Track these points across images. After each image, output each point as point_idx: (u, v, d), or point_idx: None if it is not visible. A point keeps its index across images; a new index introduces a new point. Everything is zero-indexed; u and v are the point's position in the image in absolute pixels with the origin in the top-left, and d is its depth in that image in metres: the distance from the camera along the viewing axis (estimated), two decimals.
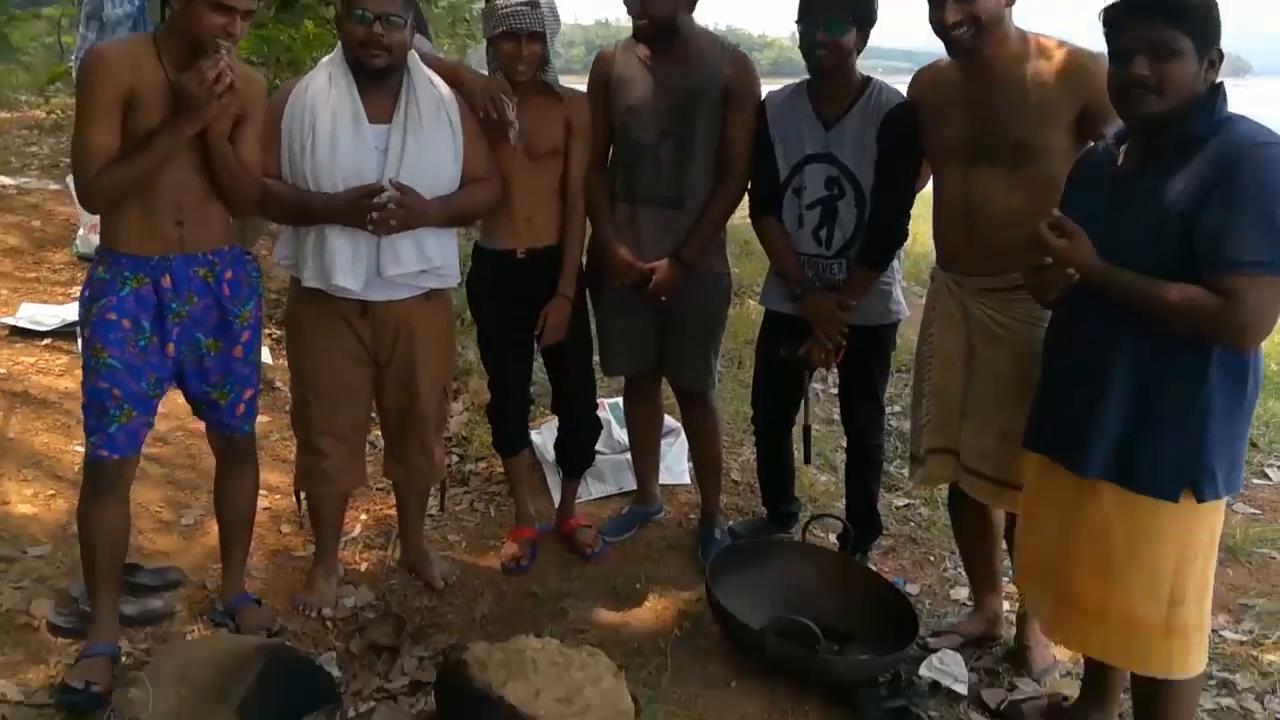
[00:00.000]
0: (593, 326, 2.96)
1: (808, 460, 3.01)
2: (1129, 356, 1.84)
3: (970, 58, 2.23)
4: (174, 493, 3.07)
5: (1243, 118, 1.78)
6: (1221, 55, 1.76)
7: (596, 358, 3.02)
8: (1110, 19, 1.83)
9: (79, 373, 3.67)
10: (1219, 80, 1.80)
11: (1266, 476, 3.73)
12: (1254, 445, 3.92)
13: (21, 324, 3.96)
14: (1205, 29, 1.74)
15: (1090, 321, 1.90)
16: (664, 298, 2.71)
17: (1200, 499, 1.83)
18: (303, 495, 2.71)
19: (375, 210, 2.28)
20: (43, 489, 2.88)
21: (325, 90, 2.34)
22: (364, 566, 2.91)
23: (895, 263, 2.73)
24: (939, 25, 2.20)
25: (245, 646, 2.20)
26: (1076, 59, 2.16)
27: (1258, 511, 3.47)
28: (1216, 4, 1.75)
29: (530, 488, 3.21)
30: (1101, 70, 1.94)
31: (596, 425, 3.04)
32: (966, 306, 2.36)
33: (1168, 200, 1.75)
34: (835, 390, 4.28)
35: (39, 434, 3.19)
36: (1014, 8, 2.20)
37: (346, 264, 2.35)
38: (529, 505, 3.08)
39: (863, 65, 2.61)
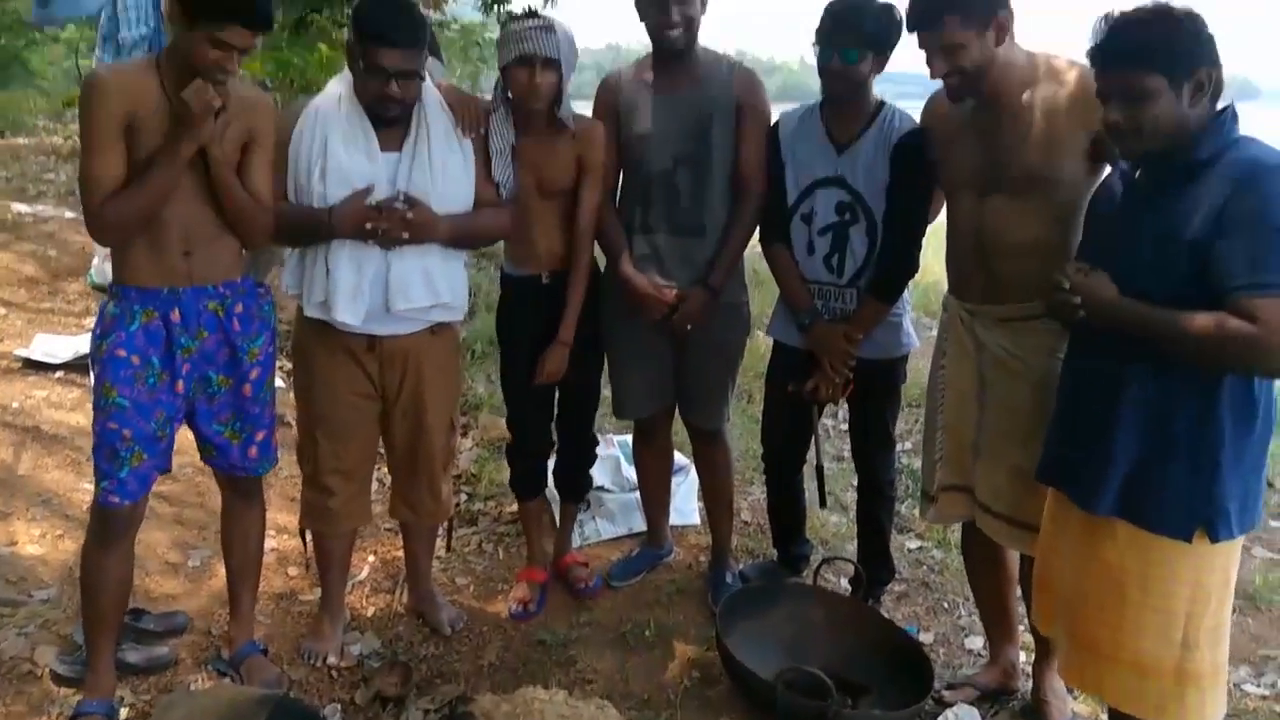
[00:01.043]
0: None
1: (823, 504, 2.97)
2: (1139, 390, 1.82)
3: (964, 99, 2.22)
4: (181, 533, 3.06)
5: (1253, 140, 1.76)
6: (1211, 75, 1.72)
7: (607, 392, 2.98)
8: (1091, 61, 1.83)
9: (90, 407, 3.70)
10: (1229, 104, 1.78)
11: None
12: (1271, 486, 3.86)
13: (35, 356, 3.98)
14: (1175, 60, 1.71)
15: (1102, 354, 1.88)
16: (689, 327, 2.68)
17: (1214, 539, 1.80)
18: (309, 535, 2.69)
19: (382, 221, 2.26)
20: (51, 529, 2.87)
21: (336, 116, 2.31)
22: (370, 611, 2.89)
23: (905, 294, 2.69)
24: (931, 73, 2.19)
25: (249, 698, 2.17)
26: (1086, 84, 2.07)
27: (1278, 555, 3.41)
28: (1186, 28, 1.71)
29: (541, 527, 3.18)
30: None
31: (590, 448, 2.99)
32: (979, 337, 2.33)
33: (1182, 223, 1.73)
34: (846, 426, 4.27)
35: (49, 470, 3.19)
36: (1009, 40, 2.15)
37: (348, 300, 2.32)
38: (542, 546, 3.04)
39: (874, 89, 2.58)
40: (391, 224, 2.27)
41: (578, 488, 3.04)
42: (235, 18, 1.97)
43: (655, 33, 2.56)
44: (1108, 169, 2.09)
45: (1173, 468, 1.80)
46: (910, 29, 2.22)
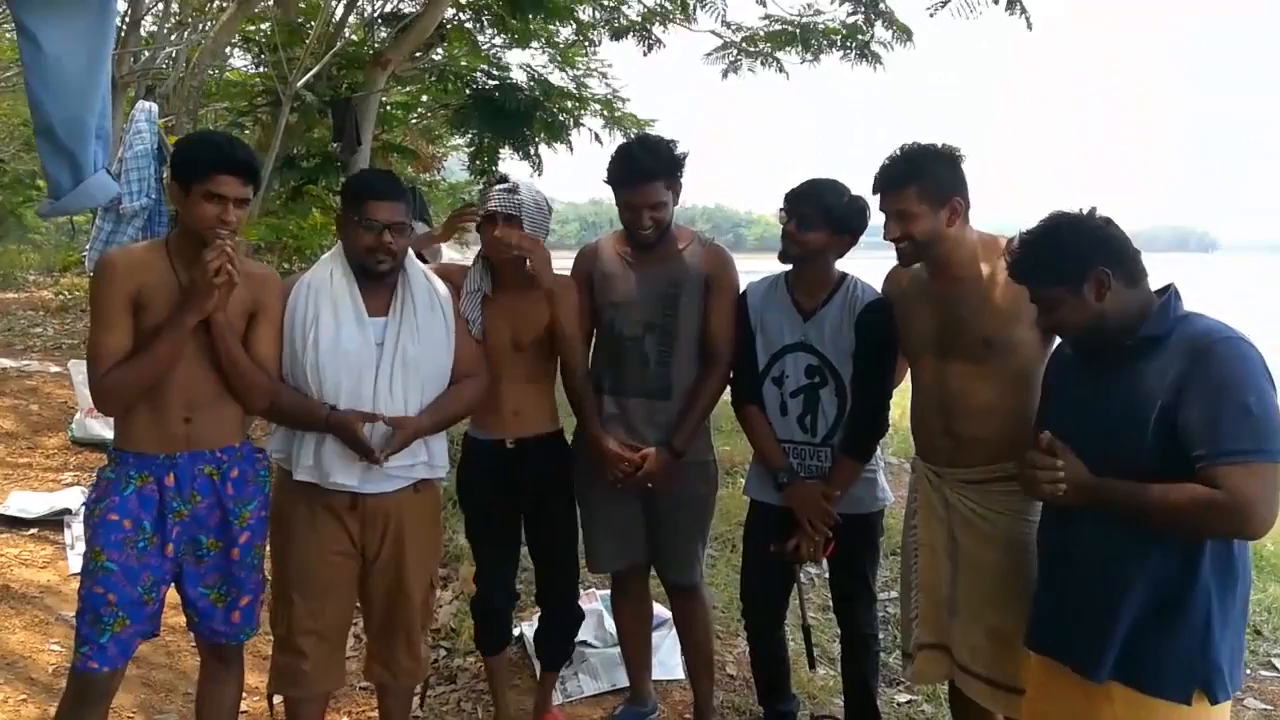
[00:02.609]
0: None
1: (812, 665, 2.92)
2: (1128, 558, 1.85)
3: (910, 264, 2.38)
4: (149, 696, 2.96)
5: (1200, 315, 1.87)
6: (1109, 274, 1.85)
7: (582, 548, 2.98)
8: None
9: (62, 564, 3.64)
10: (1170, 284, 1.91)
11: (1274, 667, 3.63)
12: (1258, 633, 3.84)
13: (9, 512, 3.94)
14: (1064, 272, 1.88)
15: (1086, 524, 1.92)
16: (650, 485, 2.73)
17: (1213, 700, 1.80)
18: (275, 699, 2.61)
19: (370, 452, 2.33)
20: (14, 693, 2.78)
21: (327, 287, 2.43)
22: None
23: (877, 451, 2.75)
24: (885, 234, 2.35)
25: None
26: None
27: (1269, 707, 3.35)
28: (1068, 243, 1.88)
29: (523, 684, 3.11)
30: None
31: (577, 617, 2.99)
32: (947, 498, 2.38)
33: (1143, 395, 1.82)
34: (828, 575, 4.24)
35: (15, 632, 3.11)
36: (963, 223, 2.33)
37: (342, 462, 2.37)
38: (509, 707, 2.99)
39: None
40: (373, 461, 2.34)
41: (559, 656, 3.02)
42: (219, 167, 2.12)
43: (630, 229, 2.75)
44: (1059, 339, 2.20)
45: (1167, 630, 1.82)
46: (874, 191, 2.39)
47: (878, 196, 2.38)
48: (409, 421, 2.40)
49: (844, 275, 2.70)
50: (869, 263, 2.80)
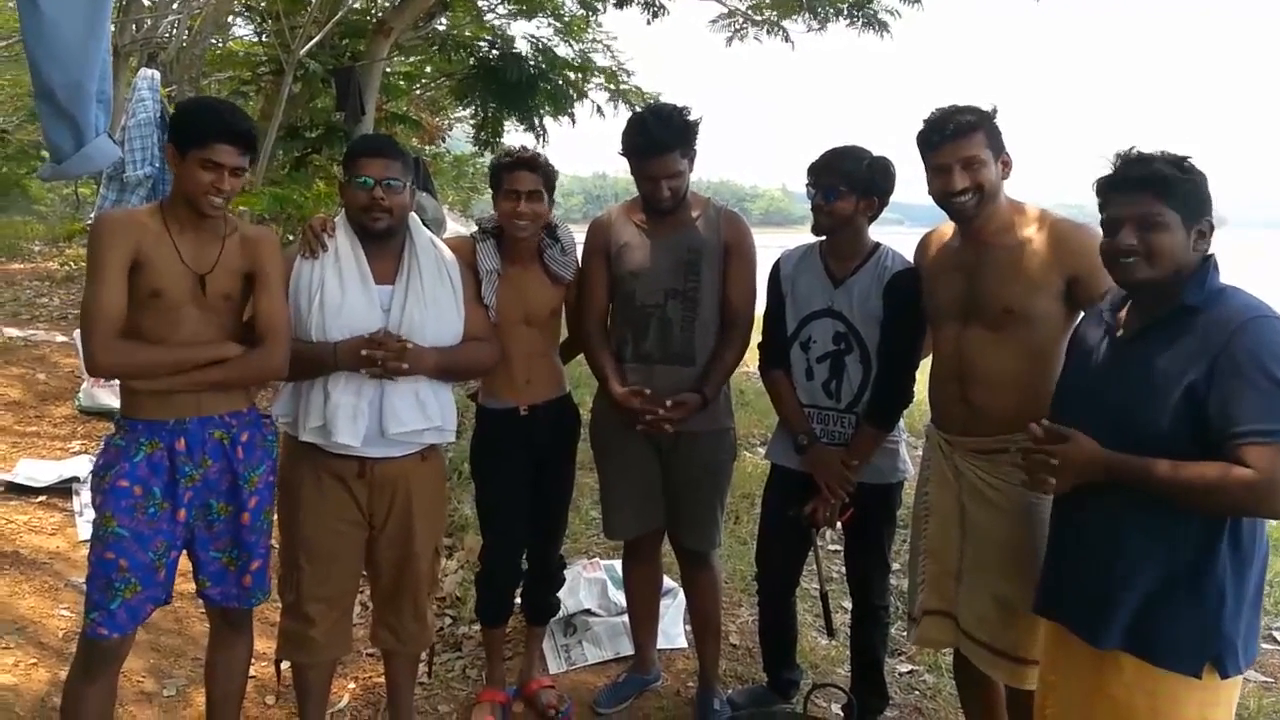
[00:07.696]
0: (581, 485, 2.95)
1: (830, 634, 2.92)
2: (1139, 529, 1.83)
3: (971, 223, 2.33)
4: (158, 660, 2.99)
5: (1236, 289, 1.82)
6: (1212, 226, 1.81)
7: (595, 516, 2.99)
8: (1100, 191, 1.91)
9: (71, 531, 3.65)
10: (1211, 252, 1.84)
11: (1275, 640, 3.64)
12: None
13: (17, 480, 3.96)
14: (1190, 202, 1.80)
15: (1103, 496, 1.88)
16: (670, 427, 2.68)
17: (1224, 675, 1.77)
18: (284, 665, 2.63)
19: (380, 350, 2.33)
20: (25, 657, 2.80)
21: (332, 251, 2.44)
22: None
23: (900, 423, 2.75)
24: (941, 193, 2.29)
25: None
26: (1060, 230, 2.24)
27: (1270, 679, 3.37)
28: (1201, 180, 1.81)
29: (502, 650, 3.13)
30: (1086, 240, 2.02)
31: (558, 571, 3.03)
32: (957, 466, 2.38)
33: (1171, 369, 1.77)
34: (835, 547, 4.26)
35: (26, 597, 3.13)
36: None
37: (348, 421, 2.37)
38: (502, 669, 3.04)
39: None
40: (389, 352, 2.34)
41: (544, 610, 3.05)
42: (218, 135, 2.12)
43: (649, 199, 2.74)
44: (1081, 314, 2.16)
45: (1180, 604, 1.79)
46: (933, 143, 2.30)
47: (933, 151, 2.29)
48: (418, 348, 2.39)
49: (877, 245, 2.69)
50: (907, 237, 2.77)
